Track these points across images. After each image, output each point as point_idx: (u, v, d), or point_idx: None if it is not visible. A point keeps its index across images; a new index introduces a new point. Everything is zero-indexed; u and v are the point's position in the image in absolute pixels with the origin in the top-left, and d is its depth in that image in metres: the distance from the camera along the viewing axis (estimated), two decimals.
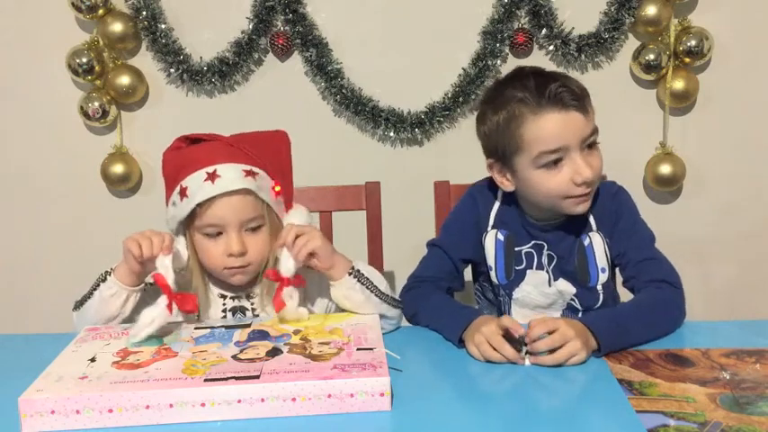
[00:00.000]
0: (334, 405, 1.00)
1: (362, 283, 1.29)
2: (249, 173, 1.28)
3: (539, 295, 1.43)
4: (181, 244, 1.31)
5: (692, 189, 2.26)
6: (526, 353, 1.15)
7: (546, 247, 1.41)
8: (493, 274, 1.45)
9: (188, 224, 1.31)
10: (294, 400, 0.99)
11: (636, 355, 1.16)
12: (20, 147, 2.27)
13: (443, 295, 1.42)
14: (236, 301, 1.38)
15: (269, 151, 1.34)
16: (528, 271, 1.43)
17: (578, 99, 1.30)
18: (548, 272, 1.42)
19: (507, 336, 1.16)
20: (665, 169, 2.18)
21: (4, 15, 2.20)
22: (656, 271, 1.35)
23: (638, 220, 1.43)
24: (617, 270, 1.46)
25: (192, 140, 1.34)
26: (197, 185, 1.26)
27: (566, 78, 1.33)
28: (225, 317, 1.36)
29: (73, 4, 2.11)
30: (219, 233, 1.29)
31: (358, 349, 1.10)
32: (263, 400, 0.99)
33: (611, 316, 1.26)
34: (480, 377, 1.14)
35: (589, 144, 1.32)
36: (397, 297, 1.36)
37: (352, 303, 1.30)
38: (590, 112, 1.33)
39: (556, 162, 1.31)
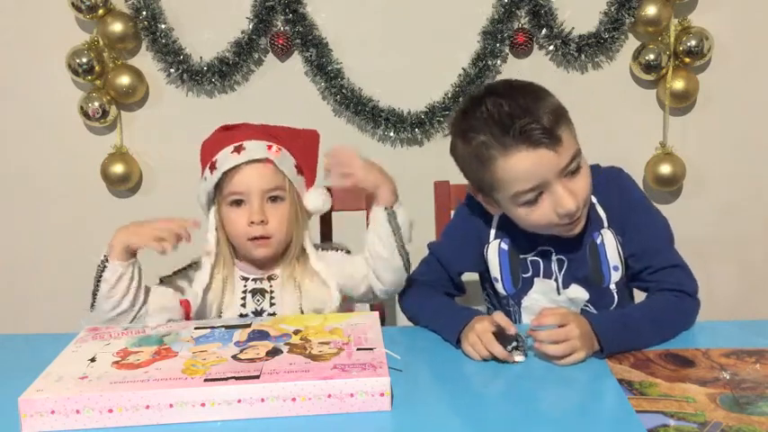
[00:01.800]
0: (334, 405, 1.00)
1: (391, 226, 1.33)
2: (272, 147, 1.38)
3: (548, 303, 1.36)
4: (208, 263, 1.38)
5: (692, 189, 2.26)
6: (513, 348, 1.15)
7: (554, 253, 1.35)
8: (499, 285, 1.40)
9: (216, 197, 1.39)
10: (294, 400, 0.99)
11: (636, 356, 1.16)
12: (20, 147, 2.28)
13: (442, 297, 1.41)
14: (256, 283, 1.42)
15: (297, 139, 1.43)
16: (535, 279, 1.37)
17: (548, 133, 1.19)
18: (556, 279, 1.36)
19: (499, 333, 1.16)
20: (665, 169, 2.18)
21: (4, 15, 2.20)
22: (677, 280, 1.29)
23: (651, 212, 1.36)
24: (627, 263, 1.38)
25: (227, 129, 1.43)
26: (225, 158, 1.36)
27: (533, 102, 1.21)
28: (244, 298, 1.40)
29: (73, 4, 2.11)
30: (243, 202, 1.36)
31: (358, 349, 1.10)
32: (263, 400, 0.99)
33: (620, 320, 1.21)
34: (480, 377, 1.14)
35: (572, 170, 1.23)
36: (410, 261, 1.37)
37: (378, 243, 1.34)
38: (564, 141, 1.21)
39: (536, 198, 1.23)
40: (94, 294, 1.31)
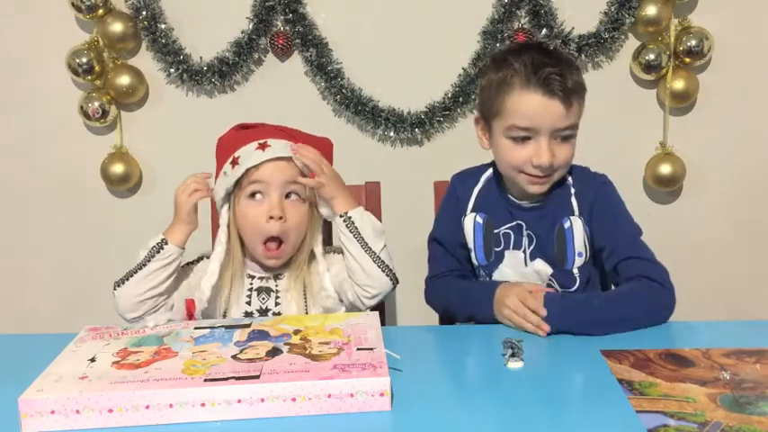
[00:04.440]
0: (334, 405, 1.00)
1: (350, 230, 1.34)
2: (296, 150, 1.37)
3: (517, 276, 1.45)
4: (216, 261, 1.38)
5: (692, 189, 2.26)
6: (510, 356, 1.15)
7: (525, 227, 1.44)
8: (473, 255, 1.49)
9: (234, 192, 1.38)
10: (294, 400, 0.99)
11: (636, 355, 1.16)
12: (20, 147, 2.28)
13: (462, 281, 1.49)
14: (262, 281, 1.43)
15: (314, 144, 1.42)
16: (506, 252, 1.46)
17: (566, 91, 1.32)
18: (524, 251, 1.44)
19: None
20: (665, 169, 2.18)
21: (4, 15, 2.21)
22: (640, 269, 1.35)
23: (622, 214, 1.44)
24: (597, 256, 1.45)
25: (245, 127, 1.43)
26: (248, 153, 1.36)
27: (568, 68, 1.35)
28: (249, 296, 1.41)
29: (73, 4, 2.11)
30: (262, 196, 1.36)
31: (358, 349, 1.10)
32: (263, 400, 0.99)
33: (574, 297, 1.35)
34: (480, 377, 1.14)
35: (563, 136, 1.36)
36: (391, 267, 1.38)
37: (346, 250, 1.36)
38: (574, 108, 1.35)
39: (523, 139, 1.36)
40: (132, 273, 1.33)
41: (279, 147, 1.36)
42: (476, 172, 1.53)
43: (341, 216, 1.35)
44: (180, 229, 1.36)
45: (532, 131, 1.35)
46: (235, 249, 1.41)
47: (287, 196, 1.37)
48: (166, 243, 1.34)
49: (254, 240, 1.38)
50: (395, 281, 1.37)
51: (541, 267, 1.44)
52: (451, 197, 1.55)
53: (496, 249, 1.46)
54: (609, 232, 1.40)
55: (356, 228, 1.34)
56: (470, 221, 1.48)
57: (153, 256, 1.33)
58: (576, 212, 1.42)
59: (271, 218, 1.34)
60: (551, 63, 1.34)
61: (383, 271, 1.35)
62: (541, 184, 1.39)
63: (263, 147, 1.35)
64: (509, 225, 1.45)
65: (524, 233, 1.44)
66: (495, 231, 1.46)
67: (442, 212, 1.58)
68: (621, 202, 1.45)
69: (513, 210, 1.46)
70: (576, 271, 1.43)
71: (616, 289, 1.42)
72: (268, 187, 1.35)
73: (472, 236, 1.48)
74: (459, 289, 1.46)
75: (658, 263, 1.37)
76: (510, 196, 1.46)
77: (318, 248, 1.42)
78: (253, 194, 1.36)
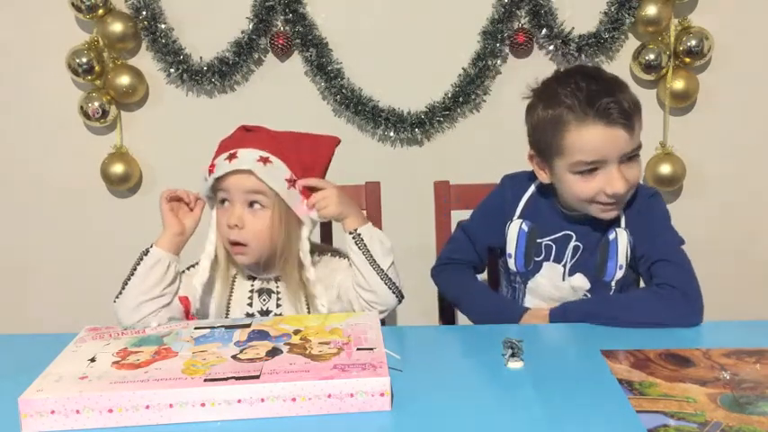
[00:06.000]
0: (334, 405, 1.00)
1: (359, 247, 1.35)
2: (264, 159, 1.36)
3: (552, 288, 1.45)
4: (206, 259, 1.40)
5: (692, 189, 2.26)
6: (510, 356, 1.15)
7: (574, 238, 1.42)
8: (511, 261, 1.47)
9: (212, 196, 1.43)
10: (294, 400, 0.99)
11: (636, 355, 1.16)
12: (20, 146, 2.28)
13: (480, 284, 1.53)
14: (263, 283, 1.43)
15: (307, 149, 1.41)
16: (545, 263, 1.45)
17: (627, 117, 1.30)
18: (564, 265, 1.43)
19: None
20: (665, 169, 2.18)
21: (4, 15, 2.21)
22: (670, 275, 1.34)
23: (666, 226, 1.42)
24: (635, 266, 1.44)
25: (248, 130, 1.44)
26: (220, 163, 1.38)
27: (620, 92, 1.32)
28: (251, 297, 1.42)
29: (73, 4, 2.11)
30: (228, 200, 1.38)
31: (358, 349, 1.10)
32: (263, 400, 0.99)
33: (580, 309, 1.35)
34: (480, 377, 1.14)
35: (630, 156, 1.33)
36: (398, 284, 1.37)
37: (355, 267, 1.36)
38: (636, 129, 1.33)
39: (591, 171, 1.33)
40: (126, 281, 1.34)
41: (245, 159, 1.36)
42: (528, 177, 1.50)
43: (350, 233, 1.36)
44: (163, 234, 1.38)
45: (600, 162, 1.32)
46: (219, 248, 1.42)
47: (251, 205, 1.37)
48: (151, 246, 1.36)
49: (224, 243, 1.41)
50: (400, 297, 1.38)
51: (579, 283, 1.42)
52: (498, 197, 1.53)
53: (536, 259, 1.45)
54: (649, 239, 1.38)
55: (365, 245, 1.35)
56: (515, 228, 1.46)
57: (141, 260, 1.35)
58: (623, 224, 1.40)
59: (229, 225, 1.37)
60: (603, 90, 1.30)
61: (389, 288, 1.36)
62: (614, 210, 1.37)
63: (231, 158, 1.36)
64: (555, 236, 1.44)
65: (570, 245, 1.43)
66: (539, 241, 1.45)
67: (483, 209, 1.56)
68: (667, 214, 1.44)
69: (563, 220, 1.44)
70: (614, 284, 1.41)
71: (625, 296, 1.41)
72: (232, 196, 1.37)
73: (515, 242, 1.46)
74: (485, 300, 1.46)
75: (690, 270, 1.35)
76: (561, 207, 1.44)
77: (304, 255, 1.40)
78: (222, 201, 1.39)
